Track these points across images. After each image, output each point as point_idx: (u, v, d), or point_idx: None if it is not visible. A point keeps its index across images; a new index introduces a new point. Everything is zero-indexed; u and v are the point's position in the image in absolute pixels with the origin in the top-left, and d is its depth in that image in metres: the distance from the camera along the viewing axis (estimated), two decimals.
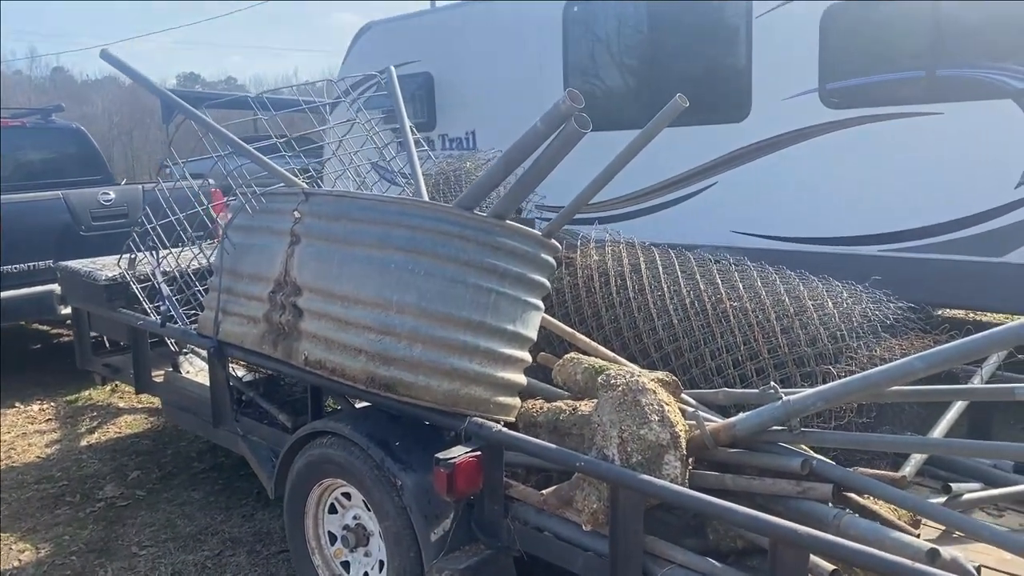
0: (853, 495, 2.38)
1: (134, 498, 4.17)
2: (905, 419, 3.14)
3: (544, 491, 2.64)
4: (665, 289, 3.29)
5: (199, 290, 4.00)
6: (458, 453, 2.61)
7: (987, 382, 3.21)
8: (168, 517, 3.94)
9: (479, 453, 2.65)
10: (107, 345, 4.95)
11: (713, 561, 2.36)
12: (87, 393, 5.93)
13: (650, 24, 6.51)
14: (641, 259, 3.51)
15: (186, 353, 4.30)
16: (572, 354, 3.14)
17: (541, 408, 2.94)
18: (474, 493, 2.68)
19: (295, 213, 3.23)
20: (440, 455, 2.60)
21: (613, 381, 2.57)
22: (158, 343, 4.41)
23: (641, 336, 3.31)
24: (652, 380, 2.61)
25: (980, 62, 4.90)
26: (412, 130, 4.16)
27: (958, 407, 3.03)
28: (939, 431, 2.93)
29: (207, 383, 4.14)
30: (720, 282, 3.25)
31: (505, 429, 2.67)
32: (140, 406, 5.65)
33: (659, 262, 3.49)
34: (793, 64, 5.65)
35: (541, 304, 3.00)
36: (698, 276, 3.32)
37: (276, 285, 3.23)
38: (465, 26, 8.48)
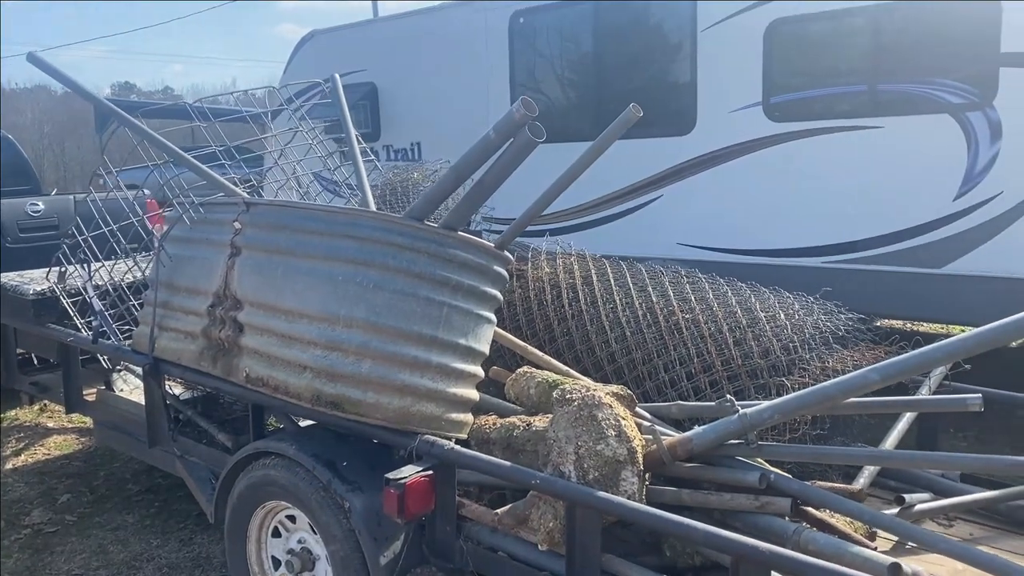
0: (810, 509, 2.36)
1: (63, 523, 3.96)
2: (855, 430, 3.15)
3: (498, 510, 2.56)
4: (617, 301, 3.25)
5: (134, 305, 3.83)
6: (408, 473, 2.52)
7: (933, 393, 3.24)
8: (100, 543, 3.75)
9: (431, 472, 2.56)
10: (35, 362, 4.72)
11: None
12: (12, 413, 5.65)
13: (595, 36, 6.52)
14: (592, 271, 3.47)
15: (120, 371, 4.12)
16: (525, 368, 3.08)
17: (494, 424, 2.87)
18: (426, 514, 2.58)
19: (235, 224, 3.11)
20: (390, 475, 2.50)
21: (568, 396, 2.51)
22: (90, 360, 4.21)
23: (594, 349, 3.26)
24: (607, 394, 2.55)
25: (919, 78, 5.00)
26: (358, 139, 4.05)
27: (908, 418, 3.04)
28: (890, 442, 2.94)
29: (142, 402, 3.98)
30: (672, 294, 3.22)
31: (457, 447, 2.59)
32: (70, 426, 5.40)
33: (611, 274, 3.45)
34: (737, 78, 5.71)
35: (494, 317, 2.93)
36: (650, 288, 3.29)
37: (215, 299, 3.10)
38: (411, 36, 8.40)
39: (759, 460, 2.52)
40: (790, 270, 5.60)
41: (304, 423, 3.42)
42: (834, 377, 2.51)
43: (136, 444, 3.73)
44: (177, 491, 4.29)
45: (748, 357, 2.90)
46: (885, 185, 5.20)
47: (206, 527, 3.88)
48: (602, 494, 2.27)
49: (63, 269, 4.04)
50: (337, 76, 4.15)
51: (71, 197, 6.23)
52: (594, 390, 2.52)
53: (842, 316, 3.10)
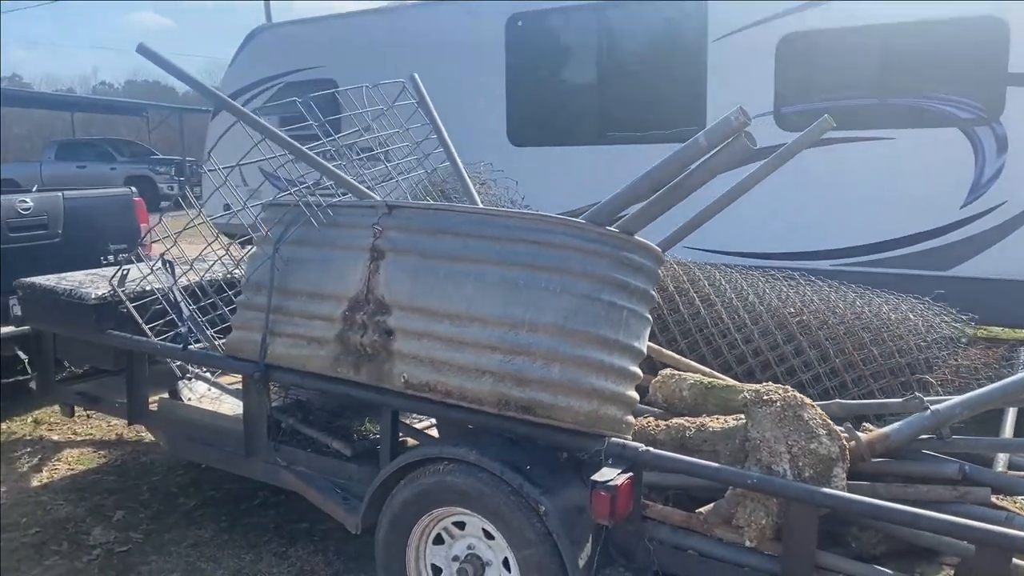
0: (1002, 498, 2.52)
1: (132, 542, 3.72)
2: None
3: (701, 510, 2.61)
4: (738, 305, 3.36)
5: (216, 308, 3.66)
6: (611, 475, 2.54)
7: None
8: (188, 561, 3.55)
9: (631, 474, 2.59)
10: (63, 371, 4.43)
11: (883, 569, 2.42)
12: (6, 426, 5.24)
13: (601, 41, 6.62)
14: (700, 274, 3.56)
15: (190, 378, 3.91)
16: (669, 371, 3.14)
17: (657, 426, 2.91)
18: (629, 515, 2.61)
19: (375, 227, 3.04)
20: (597, 478, 2.51)
21: (768, 397, 2.59)
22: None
23: (720, 350, 3.36)
24: (783, 390, 2.65)
25: (930, 93, 5.35)
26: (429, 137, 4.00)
27: (1014, 411, 3.28)
28: (1008, 432, 3.16)
29: (215, 409, 3.81)
30: (793, 295, 3.35)
31: (651, 449, 2.63)
32: (78, 438, 5.06)
33: (719, 277, 3.55)
34: (749, 88, 5.93)
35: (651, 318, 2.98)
36: (767, 289, 3.41)
37: (353, 304, 3.03)
38: (384, 34, 8.27)
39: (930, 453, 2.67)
40: (797, 273, 5.86)
41: (420, 425, 3.38)
42: (965, 374, 2.70)
43: (225, 455, 3.56)
44: (239, 503, 4.12)
45: (888, 356, 3.06)
46: (894, 193, 5.52)
47: (293, 539, 3.74)
48: (827, 490, 2.36)
49: (125, 271, 3.81)
50: (416, 76, 4.07)
51: (59, 194, 5.83)
52: (793, 391, 2.61)
53: (946, 317, 3.31)
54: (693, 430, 2.83)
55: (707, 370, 3.22)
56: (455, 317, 2.79)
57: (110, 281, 3.78)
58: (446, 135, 3.92)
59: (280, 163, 3.28)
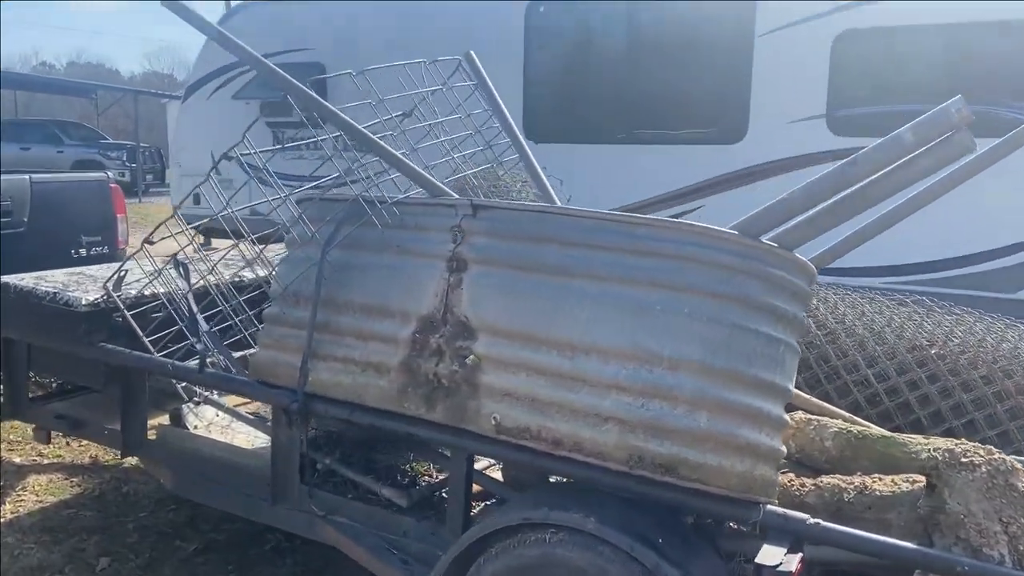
0: None
1: None
2: None
3: None
4: (884, 329, 2.86)
5: (232, 319, 3.05)
6: (779, 556, 2.01)
7: None
8: None
9: (801, 555, 2.06)
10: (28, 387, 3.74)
11: None
12: None
13: (633, 31, 6.11)
14: (822, 299, 3.06)
15: (198, 402, 3.27)
16: (802, 415, 2.62)
17: (803, 485, 2.39)
18: None
19: (455, 230, 2.46)
20: (764, 561, 1.99)
21: (968, 459, 2.08)
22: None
23: (848, 388, 2.85)
24: (985, 451, 2.15)
25: (1004, 100, 4.94)
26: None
27: None
28: None
29: (228, 440, 3.20)
30: (927, 325, 2.87)
31: (822, 522, 2.10)
32: (45, 460, 4.38)
33: (840, 301, 3.06)
34: (799, 87, 5.47)
35: None
36: (896, 317, 2.92)
37: (424, 324, 2.46)
38: (384, 19, 7.65)
39: None
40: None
41: (489, 473, 2.82)
42: None
43: (244, 500, 2.95)
44: (247, 548, 3.50)
45: None
46: (960, 208, 5.09)
47: None
48: None
49: (122, 273, 3.17)
50: (472, 54, 3.49)
51: (26, 177, 5.11)
52: (995, 452, 2.11)
53: None
54: (852, 493, 2.31)
55: (844, 414, 2.71)
56: (566, 347, 2.24)
57: (104, 284, 3.13)
58: (512, 122, 3.35)
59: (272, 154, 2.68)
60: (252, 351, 3.03)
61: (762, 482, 2.15)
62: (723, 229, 2.20)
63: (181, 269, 2.90)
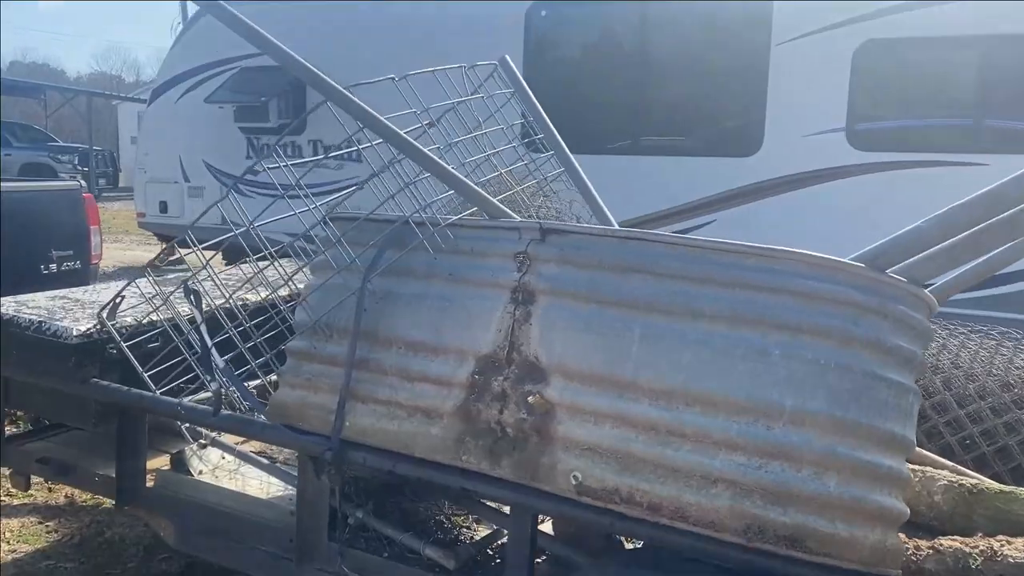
0: None
1: None
2: None
3: None
4: (973, 365, 2.61)
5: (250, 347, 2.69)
6: None
7: None
8: None
9: None
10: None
11: None
12: None
13: (642, 34, 5.84)
14: None
15: (204, 445, 2.90)
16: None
17: (918, 548, 2.11)
18: None
19: (520, 257, 2.15)
20: None
21: None
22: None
23: (937, 431, 2.59)
24: None
25: None
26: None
27: None
28: None
29: (239, 488, 2.84)
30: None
31: None
32: (15, 500, 3.93)
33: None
34: (817, 99, 5.26)
35: None
36: (983, 350, 2.68)
37: (486, 364, 2.15)
38: (370, 20, 7.30)
39: None
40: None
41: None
42: None
43: (262, 558, 2.59)
44: None
45: None
46: None
47: None
48: None
49: (118, 299, 2.80)
50: (508, 58, 3.18)
51: None
52: None
53: None
54: (979, 559, 2.03)
55: (947, 463, 2.45)
56: (664, 395, 1.94)
57: (98, 313, 2.75)
58: (555, 132, 3.05)
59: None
60: (257, 383, 2.69)
61: (893, 552, 1.88)
62: (848, 261, 1.92)
63: (192, 297, 2.53)
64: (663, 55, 5.82)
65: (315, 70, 2.24)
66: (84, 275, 5.10)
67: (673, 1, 5.65)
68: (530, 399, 2.07)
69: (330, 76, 2.47)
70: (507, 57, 3.18)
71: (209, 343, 2.51)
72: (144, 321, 2.85)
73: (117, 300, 2.79)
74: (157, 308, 2.68)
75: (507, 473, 2.10)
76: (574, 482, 2.01)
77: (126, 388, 2.69)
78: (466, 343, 2.19)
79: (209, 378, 2.51)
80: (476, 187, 2.34)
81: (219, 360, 2.49)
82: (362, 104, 2.28)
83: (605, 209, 2.86)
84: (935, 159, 4.98)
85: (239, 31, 2.19)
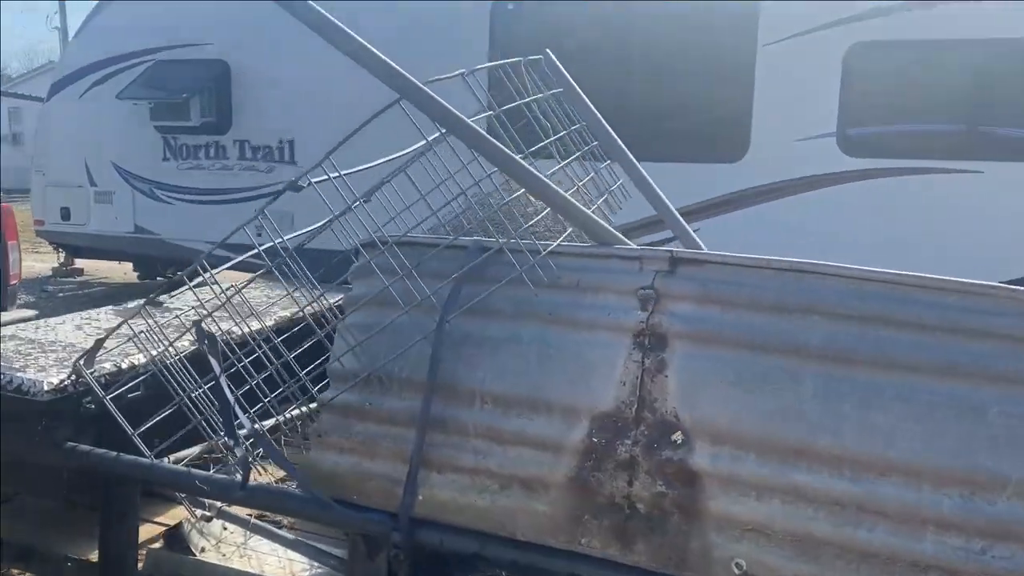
0: None
1: None
2: None
3: None
4: None
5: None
6: None
7: None
8: None
9: None
10: None
11: None
12: None
13: (619, 33, 5.51)
14: None
15: (209, 518, 2.38)
16: None
17: None
18: None
19: (645, 293, 1.77)
20: None
21: None
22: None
23: None
24: None
25: None
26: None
27: None
28: None
29: (259, 571, 2.34)
30: None
31: None
32: None
33: None
34: (806, 103, 5.05)
35: None
36: None
37: (606, 424, 1.77)
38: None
39: None
40: None
41: None
42: None
43: None
44: None
45: None
46: (976, 235, 4.81)
47: None
48: None
49: (102, 338, 2.26)
50: (550, 52, 2.78)
51: None
52: None
53: None
54: None
55: None
56: (851, 464, 1.59)
57: (75, 363, 2.21)
58: (614, 134, 2.68)
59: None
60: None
61: None
62: None
63: (207, 342, 2.03)
64: (642, 53, 5.52)
65: (417, 82, 1.78)
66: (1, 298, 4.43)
67: (654, 2, 5.35)
68: (674, 438, 1.70)
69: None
70: (549, 52, 2.78)
71: (231, 398, 2.02)
72: (124, 366, 2.34)
73: (101, 339, 2.26)
74: (155, 357, 2.15)
75: (643, 560, 1.72)
76: (737, 571, 1.64)
77: (115, 454, 2.16)
78: (578, 398, 1.79)
79: (233, 442, 2.02)
80: (581, 206, 1.94)
81: (247, 421, 2.01)
82: (447, 105, 1.84)
83: (690, 230, 2.50)
84: (926, 166, 4.85)
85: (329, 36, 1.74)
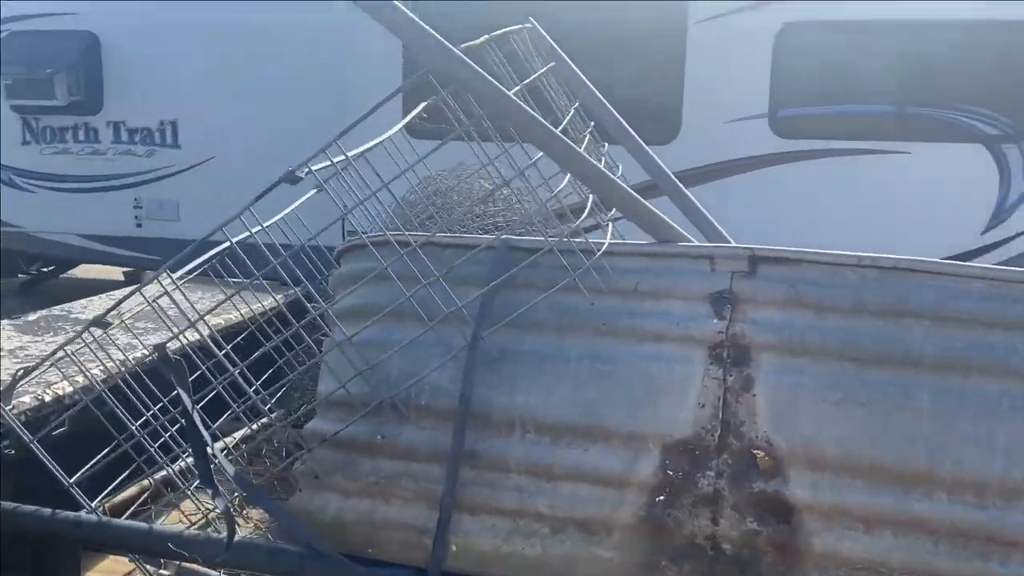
0: None
1: None
2: None
3: None
4: None
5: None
6: None
7: None
8: None
9: None
10: None
11: None
12: None
13: (549, 14, 5.21)
14: None
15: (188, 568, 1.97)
16: None
17: None
18: None
19: (719, 299, 1.53)
20: None
21: None
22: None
23: None
24: None
25: (954, 104, 4.73)
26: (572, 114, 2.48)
27: None
28: None
29: None
30: None
31: None
32: None
33: None
34: (738, 84, 4.95)
35: None
36: None
37: (681, 454, 1.52)
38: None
39: None
40: None
41: None
42: None
43: None
44: None
45: None
46: (909, 215, 4.84)
47: None
48: None
49: (18, 373, 1.82)
50: (534, 21, 2.49)
51: None
52: None
53: None
54: None
55: None
56: (976, 489, 1.40)
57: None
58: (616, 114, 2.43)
59: None
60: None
61: None
62: None
63: (172, 370, 1.64)
64: (569, 31, 5.26)
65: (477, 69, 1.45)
66: None
67: None
68: (756, 453, 1.47)
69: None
70: (533, 20, 2.49)
71: (208, 438, 1.63)
72: (48, 399, 1.91)
73: (18, 373, 1.81)
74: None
75: None
76: None
77: (53, 512, 1.73)
78: (645, 424, 1.53)
79: (212, 490, 1.63)
80: (643, 201, 1.66)
81: (228, 465, 1.63)
82: (520, 103, 1.53)
83: (713, 221, 2.27)
84: (857, 147, 4.84)
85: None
